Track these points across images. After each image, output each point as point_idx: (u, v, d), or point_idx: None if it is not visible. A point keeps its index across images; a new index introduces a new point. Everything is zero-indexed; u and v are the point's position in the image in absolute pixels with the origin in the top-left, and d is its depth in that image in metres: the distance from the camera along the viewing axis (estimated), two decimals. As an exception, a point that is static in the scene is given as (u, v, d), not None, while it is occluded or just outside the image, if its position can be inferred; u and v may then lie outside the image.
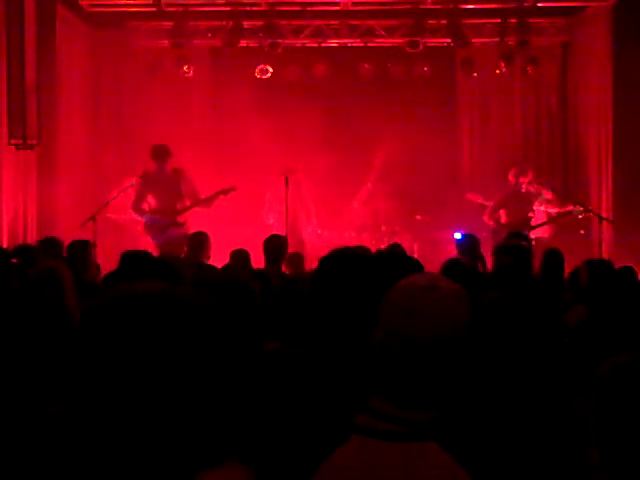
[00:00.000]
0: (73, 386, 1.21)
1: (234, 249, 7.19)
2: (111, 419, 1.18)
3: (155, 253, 7.90)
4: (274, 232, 10.12)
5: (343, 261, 2.38)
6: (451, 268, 4.76)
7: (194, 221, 9.70)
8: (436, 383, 1.65)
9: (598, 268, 5.15)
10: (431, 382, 1.64)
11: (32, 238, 9.48)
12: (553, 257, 5.78)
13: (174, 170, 9.63)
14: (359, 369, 2.15)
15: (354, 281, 2.31)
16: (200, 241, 7.68)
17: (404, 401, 1.63)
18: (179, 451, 1.17)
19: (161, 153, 9.56)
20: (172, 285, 1.28)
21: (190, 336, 1.20)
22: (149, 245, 9.18)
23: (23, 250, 6.19)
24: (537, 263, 5.98)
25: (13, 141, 9.25)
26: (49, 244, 6.86)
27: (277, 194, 10.61)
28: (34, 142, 9.47)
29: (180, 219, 9.56)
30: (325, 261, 2.45)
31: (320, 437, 1.88)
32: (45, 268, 3.69)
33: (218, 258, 7.67)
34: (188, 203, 9.59)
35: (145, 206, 9.70)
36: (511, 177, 10.30)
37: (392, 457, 1.58)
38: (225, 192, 9.58)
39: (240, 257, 6.85)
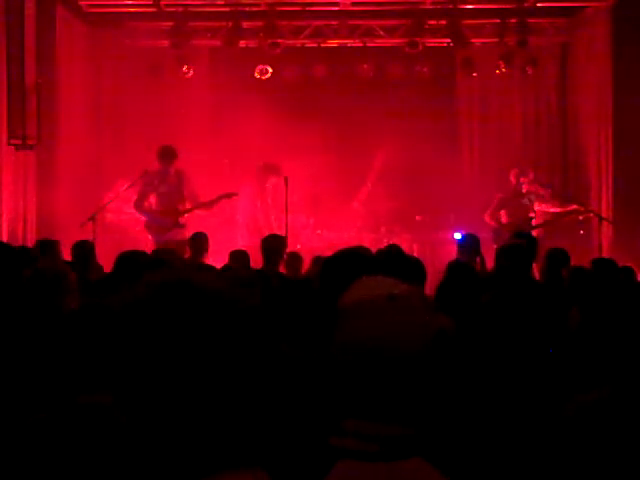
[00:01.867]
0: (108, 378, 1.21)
1: (233, 250, 7.21)
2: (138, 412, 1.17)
3: None
4: (245, 231, 10.31)
5: (350, 261, 2.38)
6: (456, 270, 4.73)
7: (193, 223, 9.75)
8: (409, 396, 1.54)
9: (604, 268, 5.13)
10: (403, 395, 1.54)
11: (31, 238, 9.48)
12: (556, 257, 5.77)
13: (176, 172, 9.65)
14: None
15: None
16: (201, 241, 7.74)
17: (376, 417, 1.53)
18: (199, 449, 1.17)
19: (168, 154, 9.59)
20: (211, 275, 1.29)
21: (232, 331, 1.20)
22: (149, 245, 9.18)
23: (22, 251, 6.18)
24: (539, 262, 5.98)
25: (12, 141, 9.24)
26: (47, 246, 6.86)
27: (248, 193, 10.62)
28: (33, 142, 9.46)
29: (181, 220, 9.58)
30: (331, 261, 2.45)
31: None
32: (46, 269, 3.68)
33: (216, 259, 7.69)
34: (189, 205, 9.62)
35: (147, 205, 9.73)
36: (512, 177, 10.32)
37: (381, 478, 1.49)
38: (228, 196, 9.74)
39: (239, 258, 6.86)
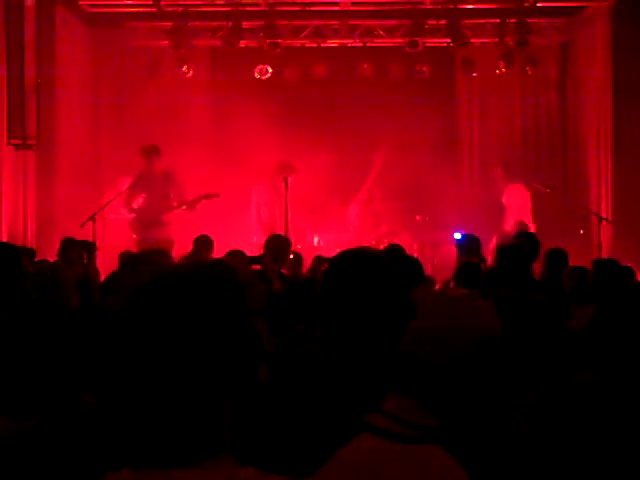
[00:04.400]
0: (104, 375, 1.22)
1: (231, 249, 7.19)
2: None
3: (135, 250, 8.02)
4: (259, 230, 10.30)
5: (357, 261, 2.39)
6: (466, 270, 4.73)
7: (198, 223, 9.79)
8: (462, 389, 1.68)
9: (606, 268, 5.12)
10: (458, 388, 1.67)
11: (31, 238, 9.49)
12: (555, 257, 5.77)
13: (165, 173, 9.77)
14: (374, 368, 2.16)
15: (369, 280, 2.34)
16: (203, 243, 7.74)
17: (424, 402, 1.66)
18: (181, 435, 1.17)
19: (148, 151, 9.71)
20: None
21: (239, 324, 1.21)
22: (130, 243, 9.31)
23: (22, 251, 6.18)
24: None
25: (12, 141, 9.25)
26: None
27: (263, 194, 10.60)
28: (33, 142, 9.46)
29: (165, 219, 9.65)
30: (338, 261, 2.46)
31: (326, 437, 1.88)
32: (46, 268, 3.68)
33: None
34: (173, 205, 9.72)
35: (134, 203, 9.83)
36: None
37: (399, 457, 1.60)
38: (208, 197, 9.70)
39: (237, 257, 6.84)
